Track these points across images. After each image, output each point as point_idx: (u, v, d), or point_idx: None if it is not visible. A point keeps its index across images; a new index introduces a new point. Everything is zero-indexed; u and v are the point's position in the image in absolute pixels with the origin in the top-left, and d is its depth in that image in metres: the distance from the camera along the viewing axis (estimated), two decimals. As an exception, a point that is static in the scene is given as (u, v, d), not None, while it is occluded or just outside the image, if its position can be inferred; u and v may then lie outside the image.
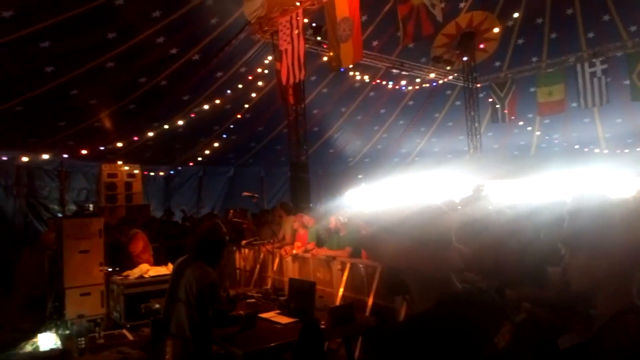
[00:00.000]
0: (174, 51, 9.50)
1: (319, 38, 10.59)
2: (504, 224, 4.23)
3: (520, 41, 13.68)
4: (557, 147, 16.42)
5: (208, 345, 3.26)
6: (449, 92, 15.37)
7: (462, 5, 12.67)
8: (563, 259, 2.53)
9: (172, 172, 13.92)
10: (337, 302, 5.48)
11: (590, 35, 12.80)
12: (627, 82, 12.05)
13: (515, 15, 12.61)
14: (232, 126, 12.74)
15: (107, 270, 6.45)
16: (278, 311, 4.01)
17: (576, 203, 3.23)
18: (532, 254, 3.35)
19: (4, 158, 9.87)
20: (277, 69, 10.10)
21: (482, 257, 3.64)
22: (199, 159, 13.83)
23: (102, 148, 11.05)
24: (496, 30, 12.73)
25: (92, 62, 8.63)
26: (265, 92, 11.80)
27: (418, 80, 13.95)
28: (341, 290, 5.65)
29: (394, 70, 13.15)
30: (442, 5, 8.91)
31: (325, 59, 10.89)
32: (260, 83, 11.43)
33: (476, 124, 14.22)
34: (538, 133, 16.05)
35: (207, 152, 13.38)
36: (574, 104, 13.02)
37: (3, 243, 8.12)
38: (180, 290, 3.26)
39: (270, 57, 10.92)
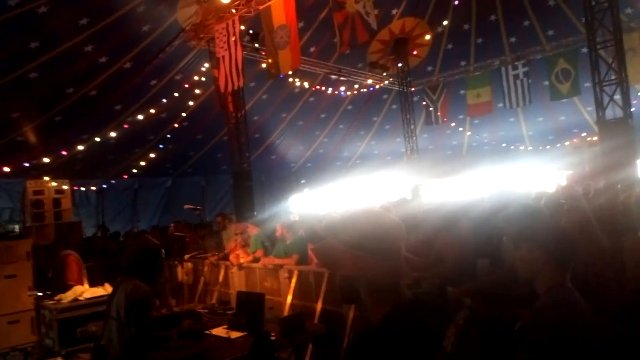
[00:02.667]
0: (103, 60, 9.08)
1: (256, 45, 10.53)
2: (439, 221, 4.37)
3: (449, 46, 14.37)
4: (486, 146, 17.36)
5: None
6: (385, 96, 15.83)
7: (394, 12, 13.09)
8: (494, 251, 2.84)
9: (104, 186, 13.25)
10: (286, 311, 5.44)
11: (513, 39, 13.71)
12: (547, 83, 12.98)
13: (445, 22, 13.22)
14: (168, 135, 12.35)
15: (36, 294, 6.04)
16: (226, 326, 3.91)
17: (496, 201, 3.48)
18: (470, 248, 3.48)
19: None
20: (215, 76, 9.92)
21: (418, 253, 3.78)
22: (134, 170, 13.26)
23: (26, 164, 10.30)
24: (427, 37, 13.29)
25: (14, 74, 8.06)
26: (203, 99, 11.55)
27: (356, 85, 14.25)
28: (289, 298, 5.61)
29: (333, 76, 13.34)
30: (376, 12, 9.14)
31: (263, 65, 10.83)
32: (197, 91, 11.17)
33: (412, 127, 14.76)
34: (469, 133, 16.91)
35: (142, 163, 12.85)
36: (500, 105, 13.83)
37: None
38: (112, 308, 3.18)
39: (207, 64, 10.71)
